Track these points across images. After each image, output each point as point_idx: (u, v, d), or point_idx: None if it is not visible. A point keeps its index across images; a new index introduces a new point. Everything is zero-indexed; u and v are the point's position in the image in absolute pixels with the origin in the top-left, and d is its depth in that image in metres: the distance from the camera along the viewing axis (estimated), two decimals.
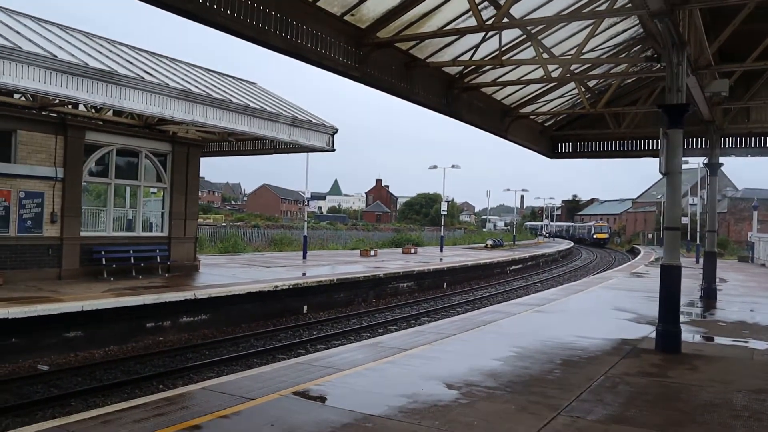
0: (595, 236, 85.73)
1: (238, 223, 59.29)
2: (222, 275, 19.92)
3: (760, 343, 10.95)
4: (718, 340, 11.27)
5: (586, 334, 11.32)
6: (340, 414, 6.19)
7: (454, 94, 14.28)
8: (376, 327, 17.38)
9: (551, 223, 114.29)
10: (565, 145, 21.08)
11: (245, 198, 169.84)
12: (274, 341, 15.19)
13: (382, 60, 11.39)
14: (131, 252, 18.78)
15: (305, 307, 18.92)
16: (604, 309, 15.51)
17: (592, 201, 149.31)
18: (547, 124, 20.47)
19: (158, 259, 19.54)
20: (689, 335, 11.31)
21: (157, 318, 14.61)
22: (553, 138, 21.10)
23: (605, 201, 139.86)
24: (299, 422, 5.91)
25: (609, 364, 8.88)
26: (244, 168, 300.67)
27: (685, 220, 57.44)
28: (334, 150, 20.08)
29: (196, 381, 11.46)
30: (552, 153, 21.13)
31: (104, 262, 17.89)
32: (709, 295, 17.29)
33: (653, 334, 11.23)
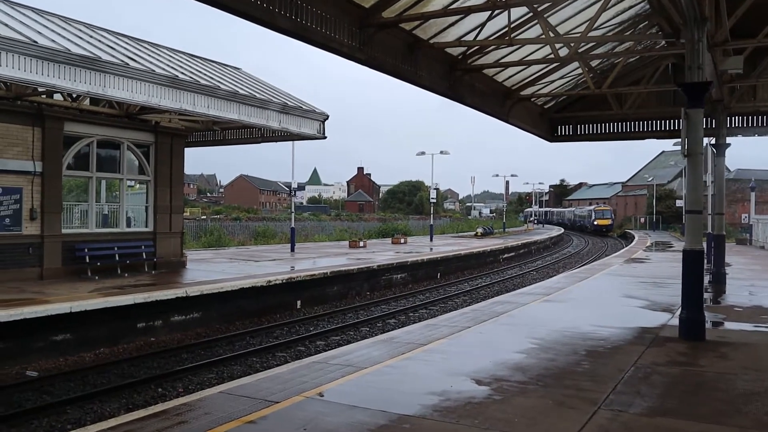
0: (596, 222, 76.63)
1: (218, 216, 58.67)
2: (211, 271, 19.70)
3: None
4: (739, 326, 11.34)
5: (604, 323, 11.33)
6: (373, 415, 6.07)
7: (457, 77, 14.14)
8: (374, 321, 17.38)
9: (552, 210, 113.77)
10: (564, 127, 21.05)
11: (221, 190, 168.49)
12: (271, 338, 15.09)
13: (386, 41, 11.21)
14: (116, 249, 18.45)
15: (299, 302, 18.81)
16: (613, 296, 15.58)
17: (580, 185, 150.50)
18: (547, 107, 20.43)
19: (144, 256, 19.24)
20: (709, 322, 11.34)
21: (148, 317, 14.40)
22: (553, 120, 21.07)
23: (594, 185, 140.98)
24: (333, 426, 5.78)
25: (635, 353, 8.88)
26: (218, 158, 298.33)
27: (679, 202, 58.11)
28: (325, 137, 19.87)
29: (196, 383, 11.32)
30: (551, 136, 21.11)
31: (88, 260, 17.55)
32: (718, 280, 17.42)
33: (672, 321, 11.35)
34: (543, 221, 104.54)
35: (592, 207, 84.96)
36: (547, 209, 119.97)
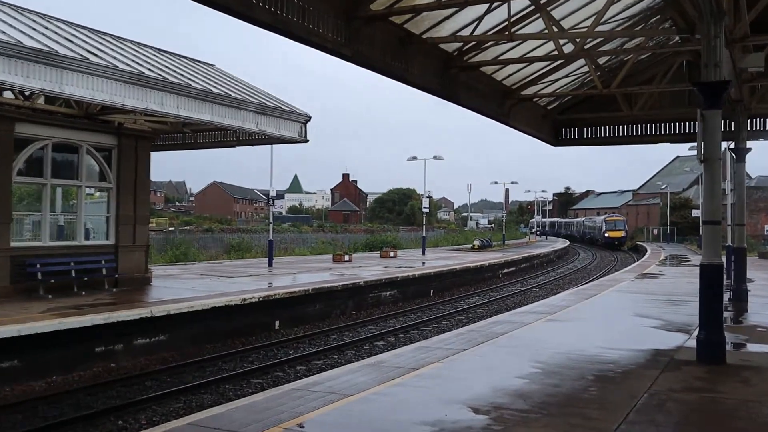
0: (607, 234, 75.32)
1: (188, 227, 58.55)
2: (179, 288, 19.65)
3: None
4: (763, 348, 11.46)
5: (613, 345, 11.42)
6: None
7: (452, 75, 14.21)
8: (361, 343, 17.41)
9: (560, 220, 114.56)
10: (569, 130, 21.18)
11: (192, 198, 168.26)
12: (246, 363, 15.05)
13: (375, 36, 11.26)
14: (72, 264, 18.32)
15: (277, 323, 18.79)
16: (624, 316, 15.70)
17: (587, 194, 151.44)
18: (550, 108, 20.55)
19: (104, 272, 19.12)
20: (729, 343, 11.41)
21: (107, 341, 14.27)
22: (556, 123, 21.19)
23: (602, 193, 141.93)
24: None
25: (649, 379, 8.93)
26: (188, 164, 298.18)
27: (696, 212, 58.59)
28: (306, 141, 19.91)
29: (161, 414, 11.24)
30: (555, 140, 21.23)
31: (40, 277, 17.40)
32: (739, 298, 17.54)
33: (688, 343, 11.45)
34: (548, 233, 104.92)
35: (602, 217, 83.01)
36: (555, 220, 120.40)
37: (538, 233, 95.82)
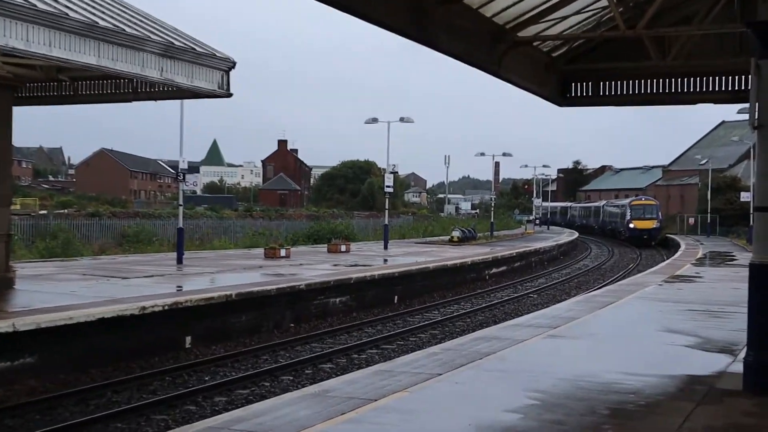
0: (632, 225, 73.27)
1: (66, 211, 57.89)
2: (54, 293, 19.63)
3: None
4: None
5: (634, 370, 11.57)
6: None
7: (426, 9, 14.12)
8: (302, 366, 17.57)
9: (573, 205, 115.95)
10: (581, 85, 21.23)
11: (71, 171, 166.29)
12: (146, 393, 15.09)
13: None
14: None
15: (188, 339, 18.81)
16: (649, 331, 15.93)
17: (602, 170, 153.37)
18: (555, 55, 20.60)
19: None
20: None
21: None
22: (564, 75, 21.24)
23: (622, 169, 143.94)
24: None
25: (680, 414, 9.06)
26: (67, 124, 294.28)
27: (746, 196, 59.41)
28: (230, 94, 19.71)
29: None
30: (562, 98, 21.28)
31: None
32: None
33: (732, 368, 11.66)
34: (558, 222, 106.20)
35: (626, 201, 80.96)
36: (569, 204, 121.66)
37: (537, 223, 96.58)
